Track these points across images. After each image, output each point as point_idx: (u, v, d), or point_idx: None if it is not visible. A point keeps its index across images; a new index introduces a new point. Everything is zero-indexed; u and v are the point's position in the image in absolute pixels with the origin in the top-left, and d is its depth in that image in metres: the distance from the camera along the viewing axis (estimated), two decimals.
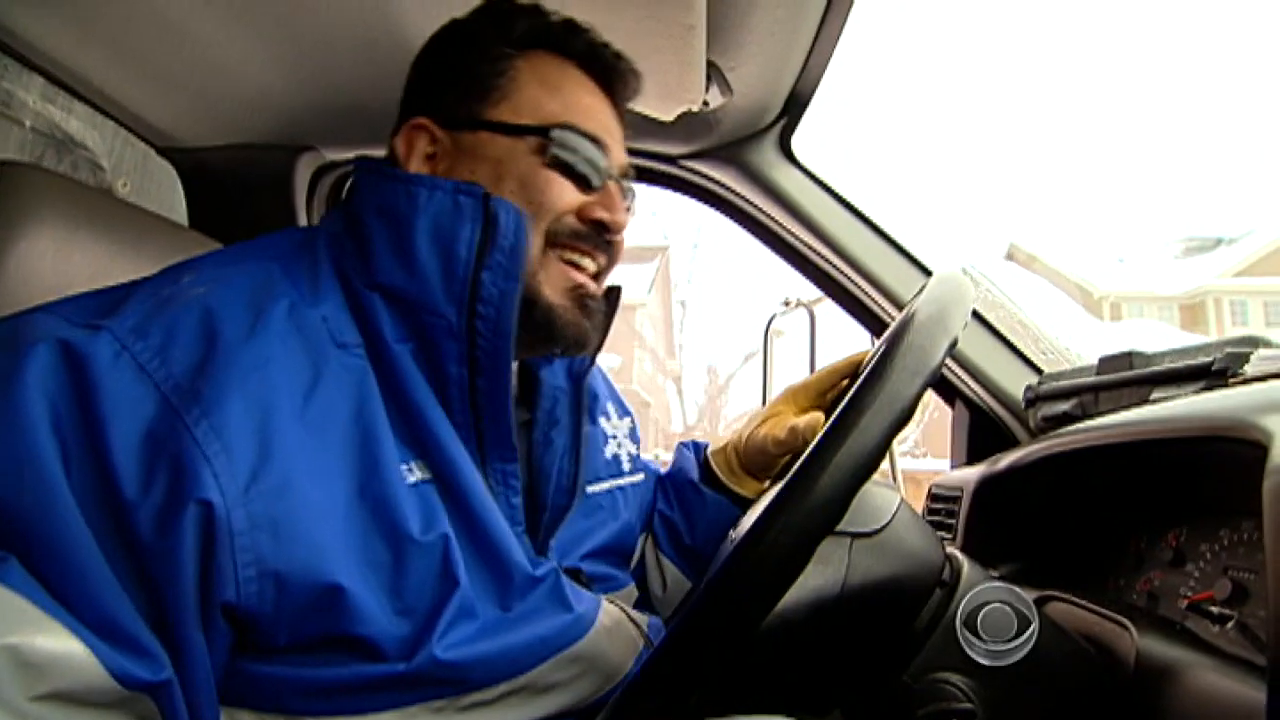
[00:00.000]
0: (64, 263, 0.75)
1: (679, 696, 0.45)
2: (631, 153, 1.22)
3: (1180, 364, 0.84)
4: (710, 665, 0.44)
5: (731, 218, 1.26)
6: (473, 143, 0.65)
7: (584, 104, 0.68)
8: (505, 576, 0.60)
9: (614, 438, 0.84)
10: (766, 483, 0.88)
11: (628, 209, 0.71)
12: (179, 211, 1.18)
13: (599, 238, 0.67)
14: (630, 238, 0.73)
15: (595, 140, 0.66)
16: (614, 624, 0.68)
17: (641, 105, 1.02)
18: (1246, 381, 0.74)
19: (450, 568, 0.56)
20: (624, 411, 0.89)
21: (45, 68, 0.96)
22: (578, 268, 0.67)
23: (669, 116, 1.03)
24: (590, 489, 0.77)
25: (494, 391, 0.61)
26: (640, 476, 0.87)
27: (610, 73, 0.71)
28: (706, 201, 1.26)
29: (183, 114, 1.09)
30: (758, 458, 0.85)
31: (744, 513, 0.86)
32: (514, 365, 0.67)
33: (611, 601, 0.70)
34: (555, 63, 0.68)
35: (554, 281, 0.66)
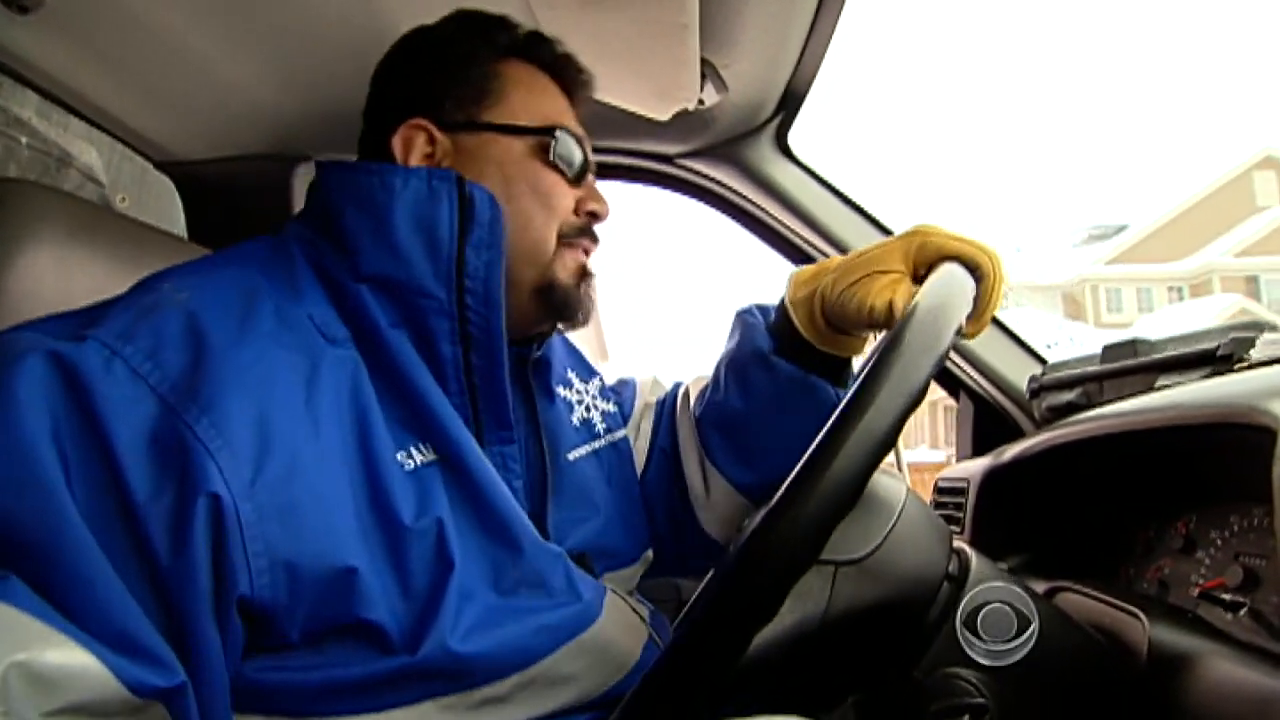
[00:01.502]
0: (64, 279, 0.75)
1: (690, 695, 0.45)
2: (627, 153, 1.24)
3: (1185, 350, 0.84)
4: (726, 652, 0.44)
5: (729, 215, 1.26)
6: (474, 144, 0.68)
7: (562, 106, 0.74)
8: (515, 547, 0.61)
9: (580, 403, 0.83)
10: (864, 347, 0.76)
11: None
12: (178, 224, 1.18)
13: (592, 229, 0.73)
14: None
15: (580, 139, 0.72)
16: (619, 612, 0.68)
17: (637, 105, 1.02)
18: (1252, 366, 0.74)
19: (445, 550, 0.56)
20: (589, 373, 0.87)
21: (41, 84, 0.96)
22: (582, 252, 0.72)
23: (665, 116, 1.03)
24: (570, 456, 0.77)
25: (490, 369, 0.63)
26: (622, 433, 0.86)
27: (574, 81, 0.76)
28: (704, 200, 1.26)
29: (179, 128, 1.09)
30: (851, 319, 0.69)
31: (837, 383, 0.75)
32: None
33: (613, 590, 0.70)
34: (531, 70, 0.73)
35: (567, 266, 0.70)
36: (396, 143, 0.67)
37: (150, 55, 0.92)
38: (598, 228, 0.74)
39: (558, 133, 0.69)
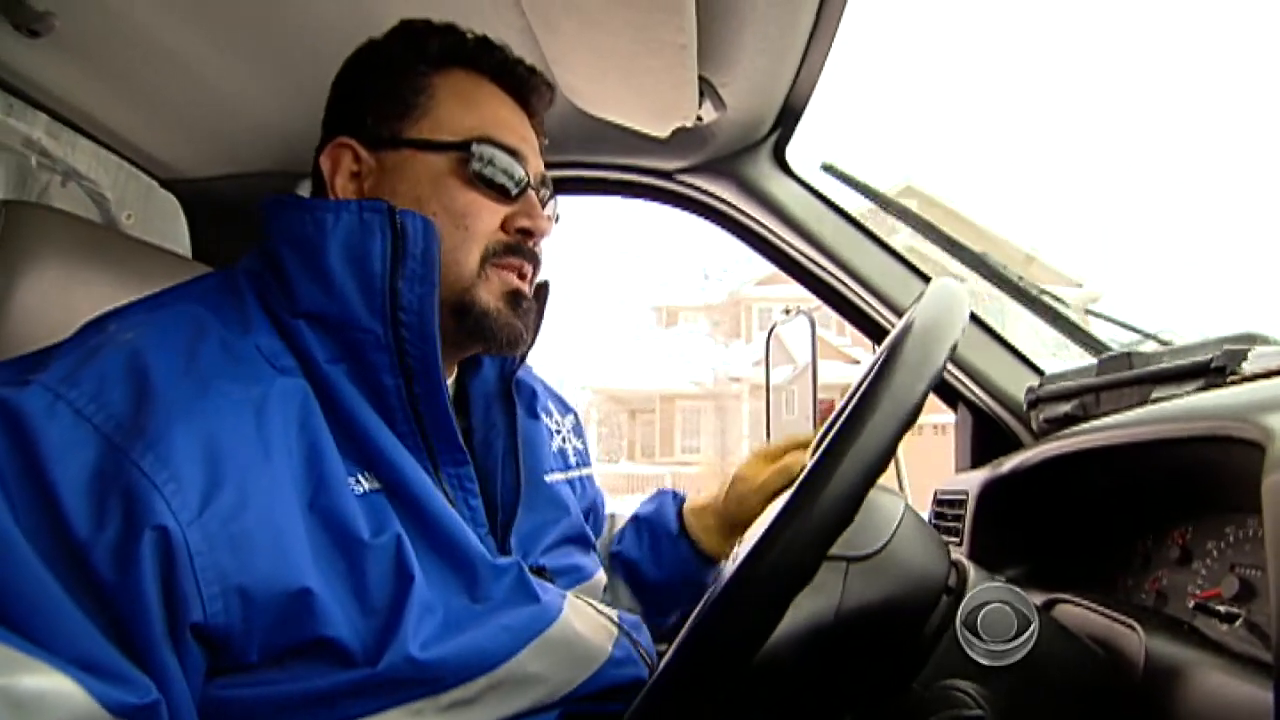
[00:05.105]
0: (68, 300, 0.76)
1: (693, 710, 0.45)
2: (626, 168, 1.25)
3: (1179, 363, 0.84)
4: (719, 677, 0.44)
5: (728, 230, 1.27)
6: (396, 161, 0.67)
7: (500, 117, 0.70)
8: (468, 570, 0.62)
9: (558, 433, 0.86)
10: (728, 546, 0.96)
11: (549, 216, 0.73)
12: (183, 242, 1.19)
13: (526, 248, 0.70)
14: None
15: (513, 151, 0.69)
16: (581, 612, 0.69)
17: (636, 121, 1.03)
18: (1245, 379, 0.75)
19: (404, 564, 0.57)
20: (566, 409, 0.91)
21: (50, 105, 0.97)
22: (514, 273, 0.70)
23: (663, 132, 1.04)
24: (547, 478, 0.79)
25: (431, 396, 0.63)
26: (590, 470, 0.91)
27: (523, 86, 0.73)
28: (702, 215, 1.27)
29: (184, 146, 1.11)
30: (736, 509, 0.92)
31: (704, 566, 0.95)
32: (453, 370, 0.74)
33: (577, 595, 0.72)
34: (471, 79, 0.70)
35: (492, 288, 0.68)
36: (324, 162, 0.68)
37: (156, 75, 0.94)
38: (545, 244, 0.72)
39: (475, 147, 0.66)
